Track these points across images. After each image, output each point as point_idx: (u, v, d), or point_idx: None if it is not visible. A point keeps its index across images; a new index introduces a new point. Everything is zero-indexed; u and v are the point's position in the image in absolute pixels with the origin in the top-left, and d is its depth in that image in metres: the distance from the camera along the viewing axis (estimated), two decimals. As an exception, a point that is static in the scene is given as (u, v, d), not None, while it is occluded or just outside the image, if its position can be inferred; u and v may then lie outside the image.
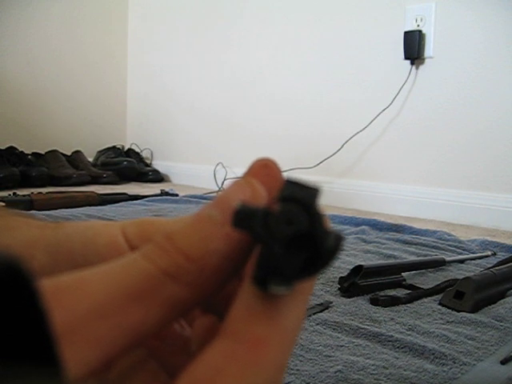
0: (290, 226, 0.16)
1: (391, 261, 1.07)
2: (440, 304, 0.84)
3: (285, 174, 0.18)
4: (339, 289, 0.89)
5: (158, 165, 2.82)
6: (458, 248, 1.27)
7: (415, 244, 1.29)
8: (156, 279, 0.16)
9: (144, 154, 2.89)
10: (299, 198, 0.16)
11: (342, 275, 0.91)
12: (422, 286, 0.92)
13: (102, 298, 0.16)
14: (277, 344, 0.16)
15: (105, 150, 2.79)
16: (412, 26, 1.84)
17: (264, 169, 0.19)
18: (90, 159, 2.72)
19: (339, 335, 0.70)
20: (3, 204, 1.58)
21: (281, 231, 0.16)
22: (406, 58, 1.84)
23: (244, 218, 0.16)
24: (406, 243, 1.30)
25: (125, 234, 0.23)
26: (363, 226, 1.46)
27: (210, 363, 0.16)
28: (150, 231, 0.23)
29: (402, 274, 0.96)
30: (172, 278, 0.16)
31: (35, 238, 0.23)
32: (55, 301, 0.15)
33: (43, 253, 0.22)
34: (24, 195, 1.68)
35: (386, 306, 0.82)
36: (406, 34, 1.83)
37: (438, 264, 1.07)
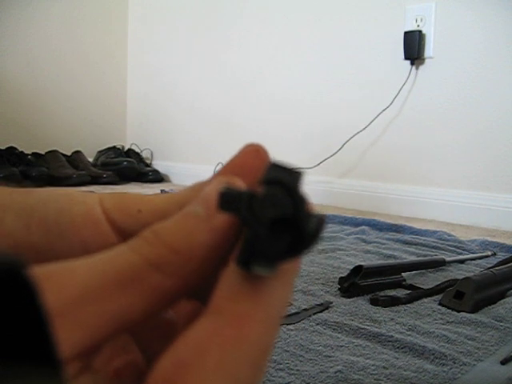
0: (273, 209, 0.16)
1: (391, 261, 1.07)
2: (440, 304, 0.84)
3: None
4: (339, 289, 0.89)
5: (158, 165, 2.82)
6: (458, 248, 1.27)
7: (415, 244, 1.29)
8: (140, 269, 0.17)
9: (144, 154, 2.89)
10: (283, 182, 0.17)
11: (342, 275, 0.91)
12: (422, 286, 0.92)
13: (89, 284, 0.16)
14: (260, 321, 0.16)
15: (105, 150, 2.79)
16: (412, 26, 1.84)
17: (255, 153, 0.19)
18: (90, 159, 2.72)
19: (339, 335, 0.70)
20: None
21: (264, 214, 0.16)
22: (406, 58, 1.84)
23: (229, 200, 0.16)
24: (406, 243, 1.30)
25: (102, 204, 0.22)
26: (363, 226, 1.46)
27: (192, 340, 0.16)
28: (129, 204, 0.22)
29: (402, 274, 0.96)
30: (156, 269, 0.17)
31: (3, 201, 0.21)
32: (46, 287, 0.15)
33: (13, 217, 0.20)
34: (24, 195, 1.68)
35: (386, 306, 0.82)
36: (406, 34, 1.83)
37: (438, 264, 1.07)
